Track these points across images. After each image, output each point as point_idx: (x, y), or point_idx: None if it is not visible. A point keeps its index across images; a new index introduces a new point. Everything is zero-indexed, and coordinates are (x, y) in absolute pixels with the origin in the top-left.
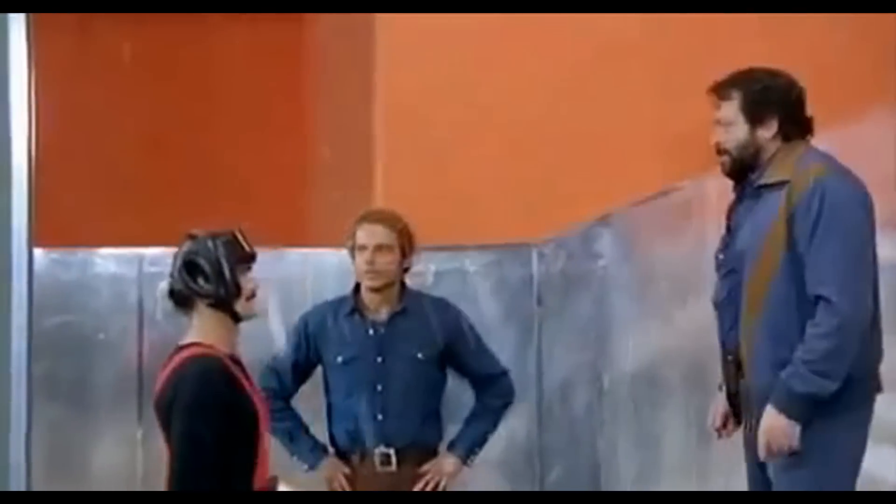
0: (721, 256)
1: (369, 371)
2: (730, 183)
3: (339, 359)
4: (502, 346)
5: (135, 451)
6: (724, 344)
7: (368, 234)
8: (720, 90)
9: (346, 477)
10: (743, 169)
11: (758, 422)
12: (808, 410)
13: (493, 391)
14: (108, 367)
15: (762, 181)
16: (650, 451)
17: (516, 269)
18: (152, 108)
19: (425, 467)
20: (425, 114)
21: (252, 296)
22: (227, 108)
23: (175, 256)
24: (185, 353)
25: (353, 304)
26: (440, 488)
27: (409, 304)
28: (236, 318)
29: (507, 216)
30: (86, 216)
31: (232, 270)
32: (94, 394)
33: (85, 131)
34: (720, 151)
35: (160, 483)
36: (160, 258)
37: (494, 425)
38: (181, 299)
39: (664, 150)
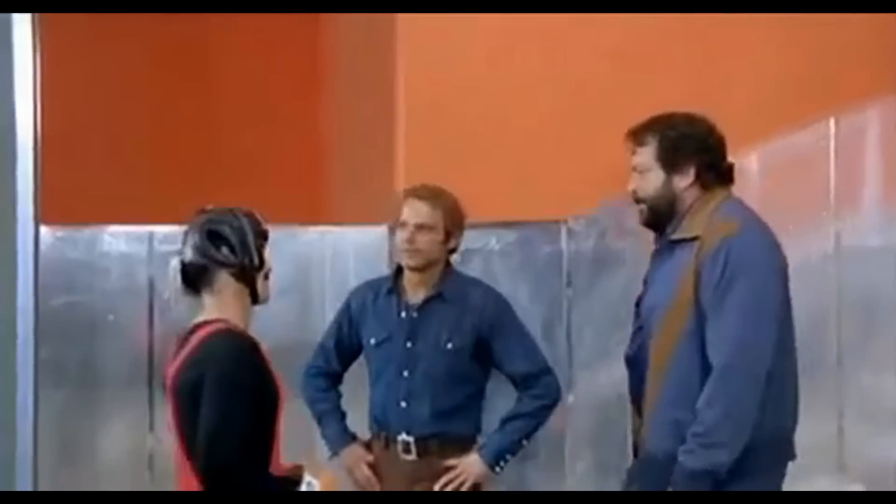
0: (637, 308)
1: (398, 355)
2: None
3: (373, 340)
4: (530, 327)
5: (144, 437)
6: (633, 401)
7: (411, 212)
8: (636, 136)
9: (370, 465)
10: (660, 219)
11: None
12: (707, 488)
13: (532, 391)
14: (117, 349)
15: (675, 236)
16: None
17: (545, 247)
18: (162, 83)
19: (451, 461)
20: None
21: (268, 276)
22: (237, 87)
23: (188, 231)
24: (209, 329)
25: (391, 283)
26: (463, 489)
27: (448, 288)
28: (254, 297)
29: (525, 206)
30: (94, 193)
31: (256, 241)
32: (102, 378)
33: (93, 107)
34: (637, 200)
35: (169, 469)
36: (171, 236)
37: (533, 429)
38: (199, 273)
39: None
